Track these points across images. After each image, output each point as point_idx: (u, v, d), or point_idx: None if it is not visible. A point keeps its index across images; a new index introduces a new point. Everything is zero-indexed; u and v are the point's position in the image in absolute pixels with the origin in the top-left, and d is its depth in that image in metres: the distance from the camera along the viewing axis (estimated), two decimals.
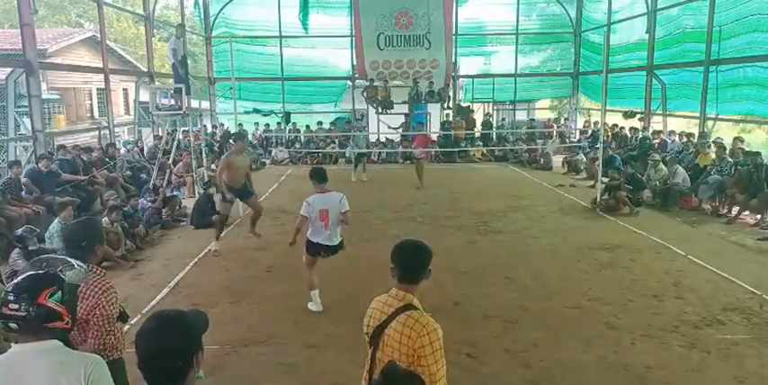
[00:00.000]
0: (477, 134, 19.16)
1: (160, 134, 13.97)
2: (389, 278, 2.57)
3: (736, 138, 11.48)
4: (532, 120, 21.24)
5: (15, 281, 2.00)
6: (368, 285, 6.10)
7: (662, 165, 11.18)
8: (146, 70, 16.78)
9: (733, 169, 10.13)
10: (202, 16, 19.91)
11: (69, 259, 2.41)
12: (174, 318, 1.74)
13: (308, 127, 19.60)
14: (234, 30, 19.80)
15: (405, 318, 2.41)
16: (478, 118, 20.83)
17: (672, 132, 14.27)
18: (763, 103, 11.38)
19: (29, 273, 2.05)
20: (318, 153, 17.82)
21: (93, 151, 11.45)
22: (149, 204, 9.35)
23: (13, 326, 1.94)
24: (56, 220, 7.44)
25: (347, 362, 4.50)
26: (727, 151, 10.80)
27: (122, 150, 12.70)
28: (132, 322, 5.09)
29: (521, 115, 22.16)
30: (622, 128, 16.36)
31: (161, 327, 1.72)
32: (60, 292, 2.00)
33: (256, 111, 19.42)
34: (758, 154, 9.85)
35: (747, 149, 10.80)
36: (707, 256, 7.40)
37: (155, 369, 1.69)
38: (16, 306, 1.92)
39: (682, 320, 5.42)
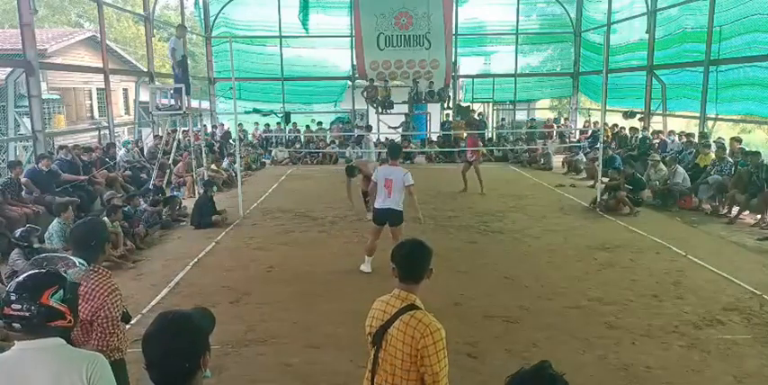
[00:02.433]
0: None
1: (160, 134, 13.97)
2: (391, 278, 2.57)
3: (732, 139, 11.42)
4: (533, 119, 21.24)
5: (17, 280, 2.00)
6: (368, 285, 6.12)
7: (662, 165, 11.18)
8: (146, 70, 16.79)
9: (733, 169, 10.12)
10: (202, 16, 19.92)
11: (70, 257, 2.41)
12: (180, 320, 1.73)
13: (307, 127, 19.63)
14: (234, 30, 19.80)
15: (408, 318, 2.42)
16: None
17: (672, 132, 14.27)
18: (763, 103, 11.38)
19: (30, 273, 2.05)
20: (318, 153, 17.84)
21: (93, 151, 11.44)
22: (146, 206, 9.29)
23: (17, 325, 1.94)
24: (55, 221, 7.42)
25: (347, 362, 4.50)
26: (727, 151, 10.79)
27: (121, 151, 12.68)
28: (132, 322, 5.10)
29: (521, 115, 22.17)
30: (623, 128, 16.36)
31: (167, 329, 1.71)
32: (62, 291, 2.00)
33: (256, 111, 19.44)
34: (758, 154, 9.85)
35: (747, 149, 10.79)
36: (707, 256, 7.40)
37: (162, 371, 1.68)
38: (19, 306, 1.92)
39: (682, 320, 5.42)
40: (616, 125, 16.92)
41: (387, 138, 18.93)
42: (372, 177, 6.86)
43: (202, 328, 1.77)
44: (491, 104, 21.66)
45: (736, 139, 11.36)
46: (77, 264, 2.36)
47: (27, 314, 1.92)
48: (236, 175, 11.98)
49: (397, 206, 6.64)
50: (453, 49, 19.59)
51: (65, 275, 2.10)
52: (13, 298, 1.93)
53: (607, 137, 14.70)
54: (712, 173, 10.41)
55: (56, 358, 1.96)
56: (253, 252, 7.99)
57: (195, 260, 7.56)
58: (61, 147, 10.66)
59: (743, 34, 11.69)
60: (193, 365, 1.69)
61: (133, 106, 17.71)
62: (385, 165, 6.95)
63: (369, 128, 17.42)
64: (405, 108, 18.89)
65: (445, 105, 19.46)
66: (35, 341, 1.96)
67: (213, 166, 13.44)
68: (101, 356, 2.08)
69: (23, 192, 8.78)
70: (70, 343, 2.10)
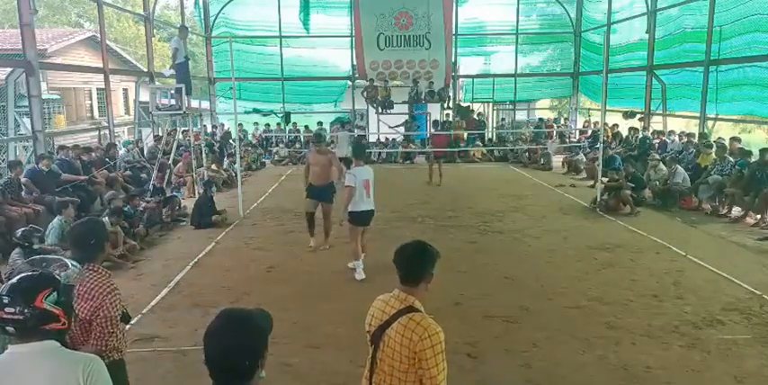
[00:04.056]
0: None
1: (160, 134, 13.96)
2: (390, 278, 2.56)
3: (731, 139, 11.40)
4: (541, 119, 21.22)
5: (11, 282, 1.99)
6: (368, 285, 6.12)
7: (662, 166, 11.18)
8: (146, 70, 16.79)
9: (733, 169, 10.12)
10: (202, 16, 19.91)
11: (64, 259, 2.40)
12: (244, 317, 1.73)
13: (306, 127, 19.62)
14: (234, 30, 19.79)
15: (406, 321, 2.40)
16: None
17: (672, 132, 14.27)
18: (763, 103, 11.37)
19: (24, 275, 2.03)
20: None
21: (93, 151, 11.44)
22: (143, 204, 9.25)
23: (10, 329, 1.93)
24: (56, 219, 7.43)
25: (347, 362, 4.49)
26: (728, 151, 10.78)
27: (121, 151, 12.69)
28: (132, 322, 5.10)
29: (521, 115, 22.16)
30: (630, 128, 16.30)
31: (231, 325, 1.70)
32: (56, 294, 1.99)
33: (256, 111, 19.43)
34: (750, 152, 9.91)
35: (747, 149, 10.79)
36: (707, 256, 7.39)
37: (223, 367, 1.67)
38: (12, 309, 1.91)
39: (682, 320, 5.41)
40: (617, 125, 16.91)
41: (387, 138, 18.98)
42: (347, 182, 6.42)
43: (264, 327, 1.76)
44: (491, 104, 21.65)
45: (736, 139, 11.36)
46: (71, 265, 2.35)
47: (21, 317, 1.91)
48: (236, 175, 11.99)
49: (374, 205, 6.62)
50: (453, 49, 19.58)
51: (59, 277, 2.09)
52: (6, 301, 1.91)
53: (607, 137, 14.70)
54: (713, 173, 10.40)
55: (51, 361, 1.95)
56: (253, 252, 7.98)
57: (195, 260, 7.57)
58: (61, 148, 10.66)
59: (743, 34, 11.68)
60: (254, 364, 1.69)
61: (133, 106, 17.71)
62: (356, 167, 6.60)
63: (344, 124, 17.19)
64: (405, 108, 18.88)
65: (445, 105, 19.46)
66: (30, 344, 1.94)
67: (213, 166, 13.44)
68: (97, 358, 2.07)
69: (23, 192, 8.78)
70: (66, 344, 2.09)
